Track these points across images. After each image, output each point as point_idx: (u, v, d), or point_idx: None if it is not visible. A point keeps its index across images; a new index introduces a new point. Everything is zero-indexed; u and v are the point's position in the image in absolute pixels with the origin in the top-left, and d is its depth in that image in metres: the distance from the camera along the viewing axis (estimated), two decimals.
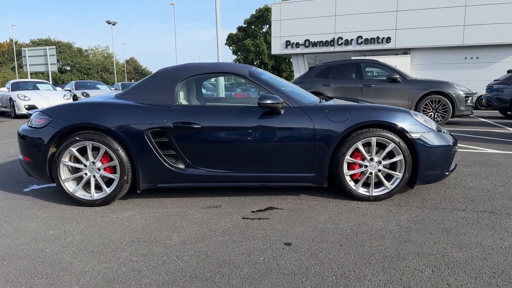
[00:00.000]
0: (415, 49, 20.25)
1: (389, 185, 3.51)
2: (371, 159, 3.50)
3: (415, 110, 9.27)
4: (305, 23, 21.47)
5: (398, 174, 3.50)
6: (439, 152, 3.47)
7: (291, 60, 24.04)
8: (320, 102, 3.93)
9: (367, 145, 3.58)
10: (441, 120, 9.16)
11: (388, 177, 3.61)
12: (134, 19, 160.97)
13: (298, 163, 3.48)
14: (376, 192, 3.55)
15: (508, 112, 11.94)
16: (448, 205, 3.41)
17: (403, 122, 3.43)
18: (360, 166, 3.55)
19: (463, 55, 21.00)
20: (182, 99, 3.77)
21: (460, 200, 3.56)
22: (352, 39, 21.07)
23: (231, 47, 52.92)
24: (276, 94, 3.54)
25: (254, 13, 50.78)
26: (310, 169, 3.50)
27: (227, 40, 53.03)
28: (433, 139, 3.46)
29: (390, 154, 3.58)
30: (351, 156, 3.53)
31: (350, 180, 3.56)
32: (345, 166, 3.50)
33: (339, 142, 3.48)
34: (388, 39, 21.52)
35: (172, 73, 3.70)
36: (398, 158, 3.47)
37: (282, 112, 3.45)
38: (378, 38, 21.70)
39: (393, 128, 3.46)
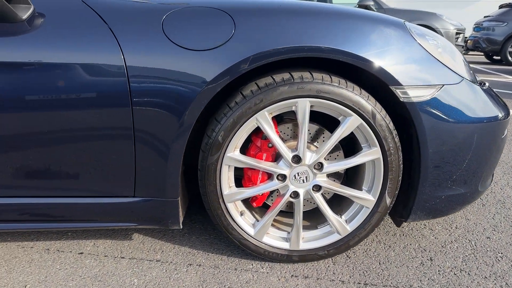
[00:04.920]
0: None
1: (340, 224, 1.34)
2: (297, 159, 1.28)
3: None
4: None
5: (365, 197, 1.32)
6: (471, 137, 1.30)
7: None
8: None
9: (289, 121, 1.36)
10: None
11: (339, 202, 1.44)
12: None
13: (90, 173, 1.22)
14: (308, 240, 1.38)
15: (495, 57, 10.01)
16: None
17: (386, 56, 1.19)
18: (269, 176, 1.33)
19: None
20: None
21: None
22: None
23: None
24: None
25: None
26: (131, 186, 1.26)
27: None
28: (465, 105, 1.27)
29: (347, 146, 1.40)
30: (247, 151, 1.32)
31: (241, 212, 1.36)
32: (225, 176, 1.28)
33: (207, 110, 1.24)
34: None
35: None
36: (369, 156, 1.27)
37: (25, 14, 1.11)
38: None
39: (359, 73, 1.24)
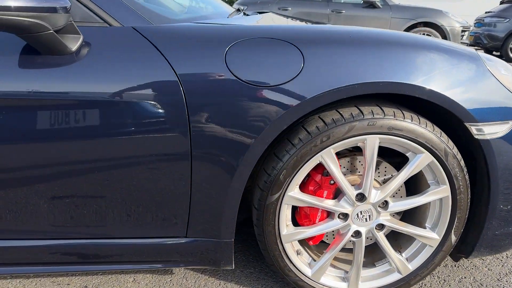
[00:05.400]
0: None
1: (402, 263, 1.27)
2: (361, 197, 1.20)
3: None
4: None
5: (430, 236, 1.25)
6: None
7: None
8: (229, 17, 1.49)
9: (347, 153, 1.27)
10: None
11: (395, 237, 1.37)
12: None
13: (142, 209, 1.13)
14: (367, 279, 1.30)
15: (494, 53, 10.00)
16: None
17: (462, 91, 1.10)
18: (328, 213, 1.25)
19: None
20: None
21: None
22: None
23: None
24: None
25: None
26: (184, 227, 1.17)
27: None
28: None
29: (412, 183, 1.32)
30: (303, 186, 1.23)
31: (297, 251, 1.28)
32: (283, 215, 1.19)
33: (270, 147, 1.14)
34: None
35: None
36: (437, 194, 1.19)
37: (75, 46, 1.00)
38: None
39: (431, 109, 1.16)
